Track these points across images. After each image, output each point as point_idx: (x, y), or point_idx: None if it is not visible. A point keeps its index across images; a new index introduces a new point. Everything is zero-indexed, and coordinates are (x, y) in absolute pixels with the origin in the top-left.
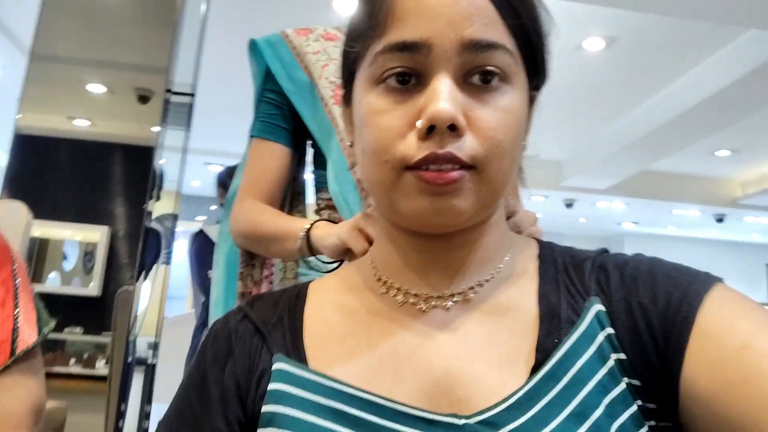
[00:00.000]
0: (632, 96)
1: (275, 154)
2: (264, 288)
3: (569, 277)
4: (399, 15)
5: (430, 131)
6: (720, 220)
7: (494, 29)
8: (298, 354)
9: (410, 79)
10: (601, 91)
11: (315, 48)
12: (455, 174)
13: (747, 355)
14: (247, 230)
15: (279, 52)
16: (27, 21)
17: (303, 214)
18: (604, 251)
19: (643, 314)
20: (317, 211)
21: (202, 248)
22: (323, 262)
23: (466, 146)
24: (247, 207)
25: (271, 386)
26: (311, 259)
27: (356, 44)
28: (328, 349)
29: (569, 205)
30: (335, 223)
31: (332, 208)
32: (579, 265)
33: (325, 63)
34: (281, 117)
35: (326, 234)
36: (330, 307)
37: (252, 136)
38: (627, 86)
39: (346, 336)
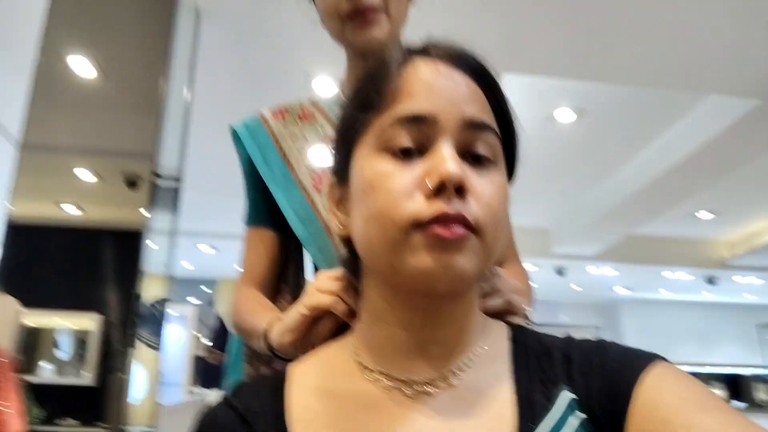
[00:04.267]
0: (608, 163)
1: (262, 240)
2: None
3: (540, 364)
4: (407, 91)
5: (438, 191)
6: (711, 281)
7: (487, 114)
8: None
9: (414, 152)
10: (577, 160)
11: (292, 131)
12: (463, 231)
13: None
14: (234, 322)
15: (257, 136)
16: (15, 112)
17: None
18: (569, 338)
19: (598, 400)
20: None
21: (217, 330)
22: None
23: (472, 210)
24: (237, 296)
25: None
26: None
27: (360, 115)
28: None
29: (560, 272)
30: None
31: None
32: (547, 353)
33: (301, 147)
34: (264, 201)
35: (281, 330)
36: (312, 393)
37: (245, 225)
38: (602, 154)
39: (331, 425)
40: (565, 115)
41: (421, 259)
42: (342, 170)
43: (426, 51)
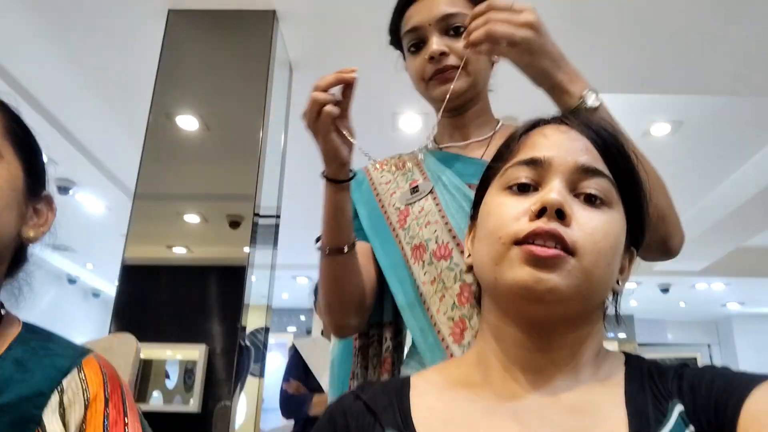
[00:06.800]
0: (709, 176)
1: (361, 252)
2: None
3: (654, 382)
4: (530, 143)
5: (540, 214)
6: None
7: (600, 164)
8: (408, 429)
9: (530, 188)
10: (676, 174)
11: (387, 178)
12: (556, 251)
13: None
14: (322, 290)
15: (361, 187)
16: (130, 166)
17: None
18: (685, 365)
19: (705, 413)
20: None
21: (290, 360)
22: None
23: (572, 233)
24: None
25: None
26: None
27: (495, 164)
28: (433, 429)
29: (665, 290)
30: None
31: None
32: (663, 374)
33: (393, 191)
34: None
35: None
36: (433, 396)
37: None
38: (702, 167)
39: (449, 420)
40: (661, 129)
41: (516, 272)
42: (476, 209)
43: (554, 119)
